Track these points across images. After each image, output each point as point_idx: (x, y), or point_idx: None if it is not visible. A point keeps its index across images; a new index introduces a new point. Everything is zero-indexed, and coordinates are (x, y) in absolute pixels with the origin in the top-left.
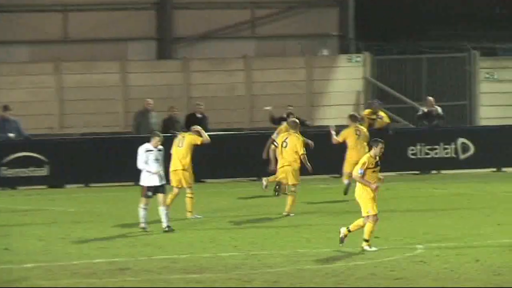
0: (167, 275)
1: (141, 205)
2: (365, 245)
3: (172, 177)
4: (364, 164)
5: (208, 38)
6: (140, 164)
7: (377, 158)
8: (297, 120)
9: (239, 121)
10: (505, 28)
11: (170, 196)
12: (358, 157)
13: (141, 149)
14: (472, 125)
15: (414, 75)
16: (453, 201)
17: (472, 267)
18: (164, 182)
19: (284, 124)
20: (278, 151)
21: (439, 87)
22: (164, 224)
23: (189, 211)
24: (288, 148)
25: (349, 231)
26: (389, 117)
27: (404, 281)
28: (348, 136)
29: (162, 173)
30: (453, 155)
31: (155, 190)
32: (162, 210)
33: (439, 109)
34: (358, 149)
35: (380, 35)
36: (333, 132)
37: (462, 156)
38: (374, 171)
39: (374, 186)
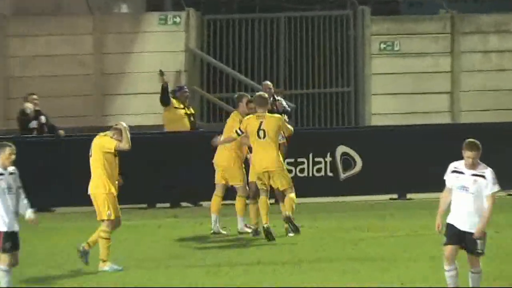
0: None
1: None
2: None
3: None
4: None
5: None
6: None
7: None
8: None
9: None
10: None
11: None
12: None
13: None
14: (359, 125)
15: (267, 45)
16: None
17: None
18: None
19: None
20: None
21: (304, 65)
22: None
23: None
24: None
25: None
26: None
27: None
28: None
29: (32, 214)
30: (329, 174)
31: (14, 242)
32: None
33: (283, 101)
34: None
35: None
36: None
37: (343, 175)
38: None
39: None
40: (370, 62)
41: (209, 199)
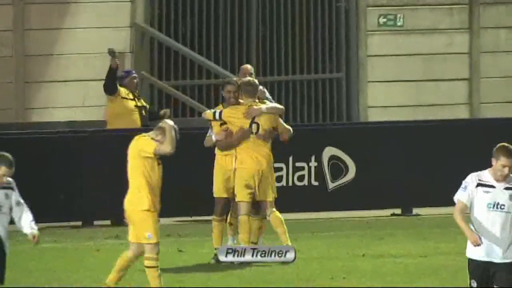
0: None
1: None
2: None
3: None
4: None
5: None
6: None
7: None
8: None
9: None
10: None
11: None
12: None
13: None
14: (352, 121)
15: (235, 21)
16: None
17: None
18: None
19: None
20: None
21: (282, 45)
22: None
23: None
24: None
25: None
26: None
27: None
28: None
29: (35, 231)
30: (314, 183)
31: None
32: None
33: (267, 92)
34: None
35: None
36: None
37: (331, 185)
38: None
39: None
40: (366, 41)
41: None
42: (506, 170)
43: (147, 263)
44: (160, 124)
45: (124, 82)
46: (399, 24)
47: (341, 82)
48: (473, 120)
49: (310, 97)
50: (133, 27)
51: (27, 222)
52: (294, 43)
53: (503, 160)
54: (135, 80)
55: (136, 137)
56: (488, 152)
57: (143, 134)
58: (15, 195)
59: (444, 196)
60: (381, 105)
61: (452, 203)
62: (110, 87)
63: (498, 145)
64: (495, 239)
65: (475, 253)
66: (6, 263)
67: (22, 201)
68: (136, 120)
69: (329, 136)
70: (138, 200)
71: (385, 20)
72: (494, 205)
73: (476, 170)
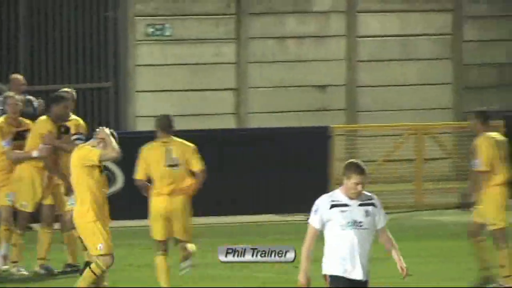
0: None
1: None
2: None
3: None
4: None
5: None
6: None
7: None
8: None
9: None
10: None
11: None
12: None
13: None
14: (120, 130)
15: (2, 29)
16: None
17: None
18: None
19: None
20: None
21: (50, 55)
22: None
23: None
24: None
25: None
26: None
27: None
28: None
29: None
30: None
31: None
32: None
33: (33, 100)
34: None
35: None
36: None
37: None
38: None
39: None
40: (135, 51)
41: None
42: (359, 187)
43: (92, 266)
44: (98, 133)
45: None
46: (167, 34)
47: (110, 91)
48: (240, 130)
49: (78, 106)
50: None
51: None
52: (62, 52)
53: (355, 178)
54: None
55: (77, 148)
56: (254, 162)
57: (82, 144)
58: None
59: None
60: (149, 114)
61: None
62: None
63: (347, 162)
64: (353, 258)
65: (334, 269)
66: None
67: None
68: None
69: None
70: (84, 213)
71: (153, 29)
72: (352, 224)
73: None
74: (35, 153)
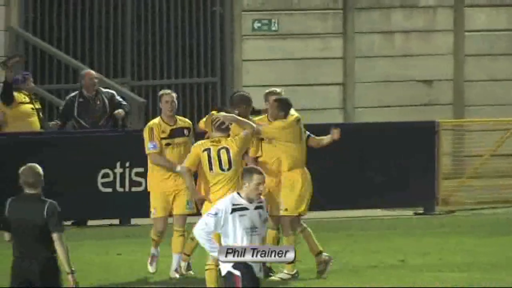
0: None
1: None
2: None
3: None
4: None
5: None
6: None
7: None
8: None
9: None
10: None
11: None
12: None
13: None
14: None
15: (110, 25)
16: None
17: None
18: None
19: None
20: None
21: (158, 50)
22: None
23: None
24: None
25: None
26: None
27: None
28: None
29: None
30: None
31: None
32: None
33: (117, 96)
34: None
35: None
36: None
37: None
38: None
39: None
40: (241, 46)
41: None
42: (261, 187)
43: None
44: (219, 123)
45: (21, 86)
46: (273, 28)
47: (216, 86)
48: (348, 125)
49: (185, 101)
50: (7, 31)
51: None
52: (169, 47)
53: (257, 178)
54: (32, 84)
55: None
56: (361, 156)
57: (202, 141)
58: None
59: None
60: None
61: None
62: (7, 100)
63: (243, 168)
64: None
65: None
66: None
67: None
68: (35, 122)
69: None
70: None
71: (259, 24)
72: (252, 229)
73: (349, 174)
74: (178, 168)
